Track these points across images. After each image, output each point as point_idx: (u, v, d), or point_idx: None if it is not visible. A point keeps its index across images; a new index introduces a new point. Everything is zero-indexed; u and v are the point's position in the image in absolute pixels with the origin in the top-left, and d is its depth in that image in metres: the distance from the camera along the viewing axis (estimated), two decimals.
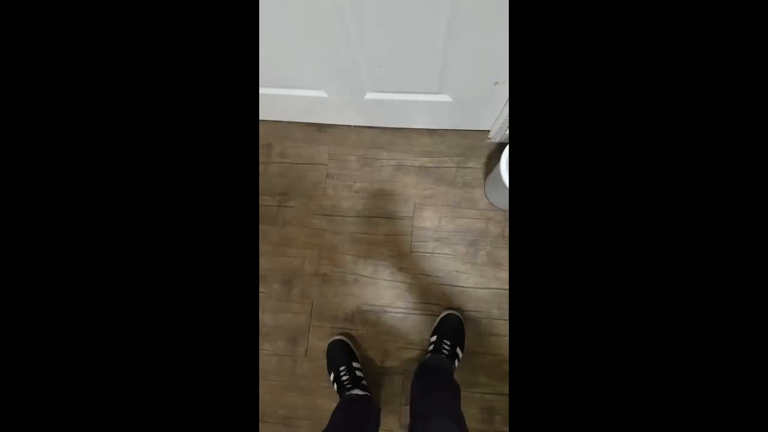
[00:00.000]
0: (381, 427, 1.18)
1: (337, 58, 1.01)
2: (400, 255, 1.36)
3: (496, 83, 1.06)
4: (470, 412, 1.25)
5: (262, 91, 1.23)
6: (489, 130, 1.37)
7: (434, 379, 1.08)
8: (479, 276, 1.33)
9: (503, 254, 1.33)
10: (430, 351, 1.23)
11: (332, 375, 1.25)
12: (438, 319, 1.28)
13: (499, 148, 1.39)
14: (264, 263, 1.39)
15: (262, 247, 1.40)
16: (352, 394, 1.15)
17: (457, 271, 1.33)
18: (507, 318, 1.30)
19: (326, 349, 1.30)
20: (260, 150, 1.46)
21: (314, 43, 0.96)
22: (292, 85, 1.20)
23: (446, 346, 1.21)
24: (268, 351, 1.35)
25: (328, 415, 1.03)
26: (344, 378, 1.21)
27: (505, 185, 1.10)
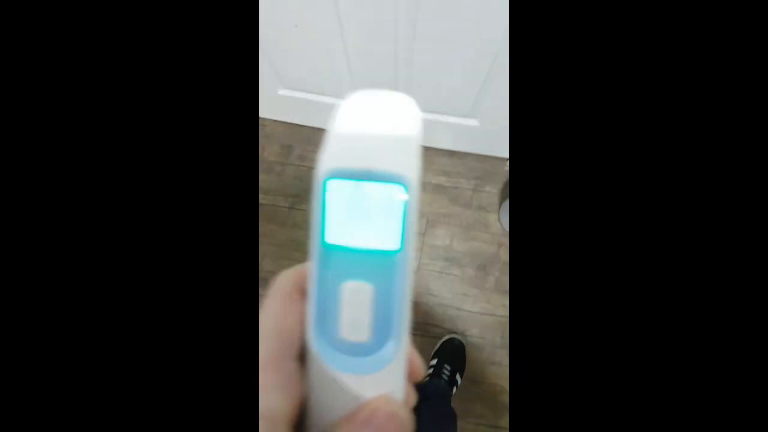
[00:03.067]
0: None
1: (380, 72, 0.99)
2: None
3: None
4: None
5: (291, 94, 1.21)
6: (508, 159, 1.37)
7: (431, 405, 1.07)
8: (486, 302, 1.32)
9: None
10: (429, 374, 1.22)
11: None
12: (440, 342, 1.27)
13: None
14: (267, 265, 1.36)
15: (268, 248, 1.37)
16: None
17: (464, 294, 1.32)
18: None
19: None
20: (279, 151, 1.44)
21: (361, 55, 0.95)
22: (324, 92, 1.18)
23: (446, 371, 1.20)
24: None
25: None
26: None
27: None
